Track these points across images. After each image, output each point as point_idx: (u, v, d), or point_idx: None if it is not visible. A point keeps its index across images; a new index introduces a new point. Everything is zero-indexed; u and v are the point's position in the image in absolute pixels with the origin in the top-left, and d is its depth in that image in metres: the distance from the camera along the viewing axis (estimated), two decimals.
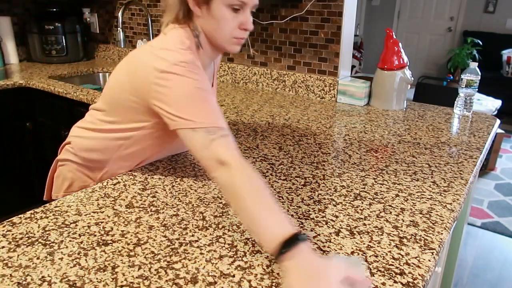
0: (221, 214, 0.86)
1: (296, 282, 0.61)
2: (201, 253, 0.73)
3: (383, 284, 0.66)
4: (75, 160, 1.09)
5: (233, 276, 0.67)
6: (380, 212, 0.88)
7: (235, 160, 0.77)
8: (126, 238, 0.77)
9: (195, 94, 0.85)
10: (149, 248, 0.74)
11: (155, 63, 0.86)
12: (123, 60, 1.00)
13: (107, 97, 1.03)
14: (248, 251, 0.74)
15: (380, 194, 0.95)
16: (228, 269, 0.69)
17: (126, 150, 1.04)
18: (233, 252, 0.73)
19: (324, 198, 0.93)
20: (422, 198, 0.94)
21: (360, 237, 0.78)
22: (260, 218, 0.69)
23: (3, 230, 0.79)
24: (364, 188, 0.99)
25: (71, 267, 0.69)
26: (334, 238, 0.78)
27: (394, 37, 1.65)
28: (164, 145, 1.08)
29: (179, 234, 0.79)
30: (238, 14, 0.91)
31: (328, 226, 0.82)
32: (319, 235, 0.79)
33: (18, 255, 0.72)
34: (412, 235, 0.79)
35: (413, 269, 0.69)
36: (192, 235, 0.78)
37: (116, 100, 0.99)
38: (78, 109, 1.98)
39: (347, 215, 0.86)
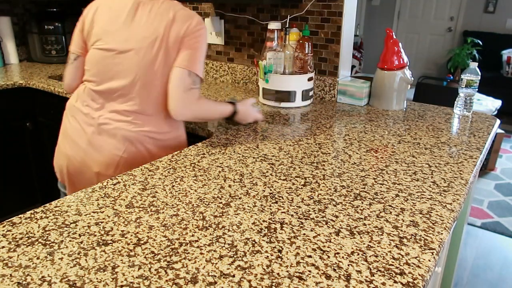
0: (221, 214, 0.86)
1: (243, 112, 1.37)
2: (201, 253, 0.73)
3: (383, 284, 0.66)
4: None
5: (233, 276, 0.67)
6: (380, 212, 0.88)
7: None
8: (126, 238, 0.77)
9: None
10: (149, 248, 0.74)
11: None
12: None
13: None
14: (248, 251, 0.74)
15: (380, 194, 0.95)
16: (228, 269, 0.69)
17: None
18: (233, 252, 0.73)
19: (324, 198, 0.93)
20: (422, 198, 0.94)
21: (360, 237, 0.78)
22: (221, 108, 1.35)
23: (3, 230, 0.79)
24: (364, 188, 0.99)
25: (71, 267, 0.69)
26: (334, 238, 0.78)
27: (394, 37, 1.65)
28: None
29: (179, 234, 0.79)
30: None
31: (328, 226, 0.82)
32: (319, 235, 0.79)
33: (18, 255, 0.72)
34: (412, 235, 0.79)
35: (413, 269, 0.69)
36: (192, 235, 0.78)
37: None
38: None
39: (347, 215, 0.86)
